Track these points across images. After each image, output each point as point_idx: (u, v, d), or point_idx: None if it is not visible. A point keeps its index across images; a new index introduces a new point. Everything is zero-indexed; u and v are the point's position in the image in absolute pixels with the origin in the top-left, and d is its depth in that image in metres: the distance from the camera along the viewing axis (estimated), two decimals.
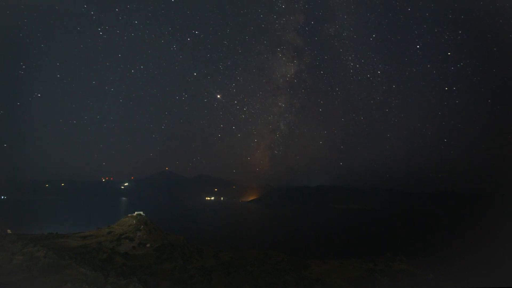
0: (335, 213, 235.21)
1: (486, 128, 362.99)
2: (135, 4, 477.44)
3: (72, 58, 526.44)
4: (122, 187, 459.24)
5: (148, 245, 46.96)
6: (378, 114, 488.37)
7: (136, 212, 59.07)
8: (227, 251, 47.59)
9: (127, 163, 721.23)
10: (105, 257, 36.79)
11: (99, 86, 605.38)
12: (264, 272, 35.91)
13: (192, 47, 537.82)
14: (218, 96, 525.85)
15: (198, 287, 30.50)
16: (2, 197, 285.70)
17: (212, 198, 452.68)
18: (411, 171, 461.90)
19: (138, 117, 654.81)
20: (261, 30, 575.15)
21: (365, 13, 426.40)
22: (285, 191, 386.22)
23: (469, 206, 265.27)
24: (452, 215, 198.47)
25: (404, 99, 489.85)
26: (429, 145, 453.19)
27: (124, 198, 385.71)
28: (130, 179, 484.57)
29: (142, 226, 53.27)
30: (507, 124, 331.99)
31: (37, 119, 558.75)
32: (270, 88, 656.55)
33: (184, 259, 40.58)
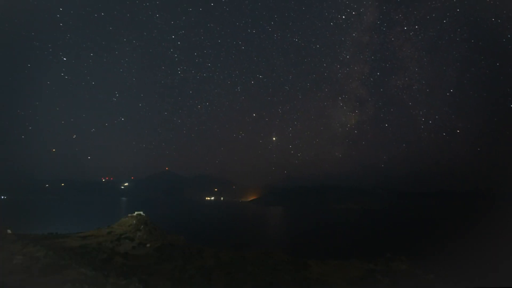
0: (335, 213, 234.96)
1: (486, 127, 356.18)
2: (210, 49, 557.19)
3: (154, 91, 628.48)
4: (122, 187, 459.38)
5: (148, 245, 47.02)
6: (457, 178, 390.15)
7: (136, 212, 59.12)
8: (227, 251, 47.52)
9: (127, 163, 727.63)
10: (105, 257, 36.79)
11: (169, 117, 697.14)
12: (264, 272, 35.86)
13: (255, 90, 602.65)
14: (274, 138, 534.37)
15: (198, 287, 30.50)
16: (2, 197, 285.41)
17: (212, 198, 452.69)
18: (411, 171, 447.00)
19: (195, 149, 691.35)
20: (323, 78, 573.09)
21: (440, 66, 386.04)
22: (285, 191, 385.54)
23: (469, 206, 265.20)
24: (452, 215, 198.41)
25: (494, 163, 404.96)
26: (429, 145, 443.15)
27: (124, 198, 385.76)
28: (130, 179, 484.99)
29: (142, 226, 53.33)
30: (507, 124, 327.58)
31: (117, 140, 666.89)
32: (327, 136, 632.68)
33: (184, 259, 40.55)
